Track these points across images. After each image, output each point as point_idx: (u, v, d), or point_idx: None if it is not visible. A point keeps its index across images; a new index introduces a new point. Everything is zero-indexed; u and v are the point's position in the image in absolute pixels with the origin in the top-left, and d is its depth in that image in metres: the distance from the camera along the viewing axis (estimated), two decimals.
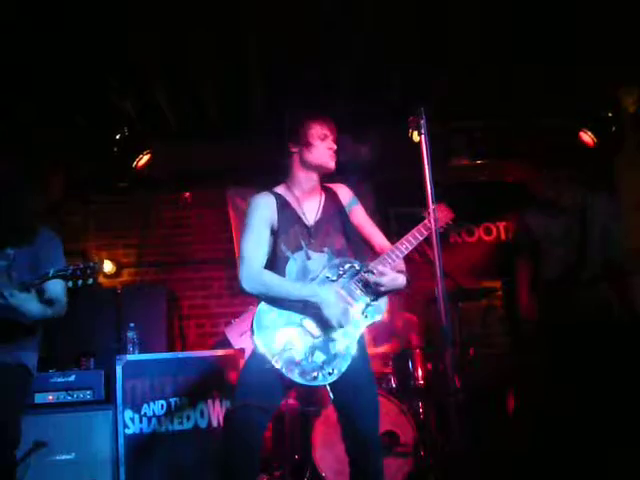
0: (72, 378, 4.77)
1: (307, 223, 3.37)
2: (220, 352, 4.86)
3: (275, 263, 3.28)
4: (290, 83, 5.01)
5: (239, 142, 5.98)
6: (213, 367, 4.72)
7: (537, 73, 5.09)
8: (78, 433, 4.58)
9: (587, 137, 5.96)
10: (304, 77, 4.95)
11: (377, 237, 3.47)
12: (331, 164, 3.41)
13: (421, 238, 3.29)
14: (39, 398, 4.67)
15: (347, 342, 3.16)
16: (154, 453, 4.54)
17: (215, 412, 4.62)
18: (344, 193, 3.55)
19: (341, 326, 3.13)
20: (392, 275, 3.23)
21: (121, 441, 4.53)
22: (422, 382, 5.13)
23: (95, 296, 6.09)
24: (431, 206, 2.95)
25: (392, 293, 3.27)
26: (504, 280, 6.40)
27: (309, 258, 3.29)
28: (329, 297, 3.14)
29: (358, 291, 3.22)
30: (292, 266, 3.27)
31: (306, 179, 3.44)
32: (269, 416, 3.16)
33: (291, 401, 5.22)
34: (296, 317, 3.17)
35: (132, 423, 4.58)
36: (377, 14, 4.29)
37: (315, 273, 3.26)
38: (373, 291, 3.22)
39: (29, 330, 3.60)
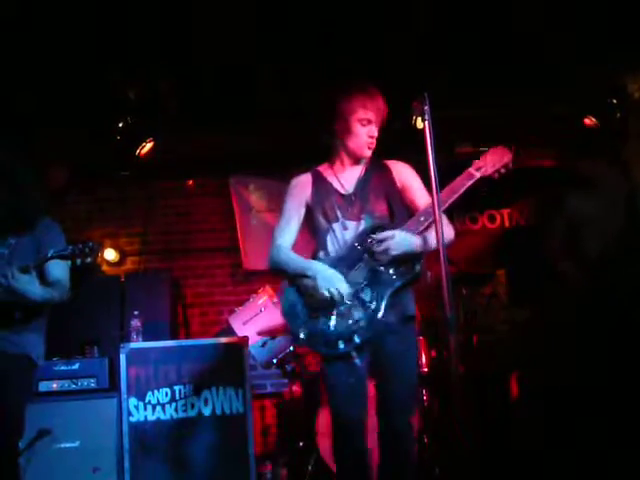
0: (76, 366, 4.77)
1: (343, 192, 3.35)
2: (224, 340, 4.85)
3: (318, 237, 3.33)
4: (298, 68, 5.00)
5: (242, 130, 5.96)
6: (217, 355, 4.72)
7: (545, 61, 5.07)
8: (82, 421, 4.59)
9: (592, 124, 5.94)
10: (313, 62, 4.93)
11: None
12: (366, 153, 3.34)
13: (463, 189, 3.17)
14: (43, 386, 4.67)
15: (373, 306, 3.11)
16: (158, 441, 4.53)
17: (219, 400, 4.62)
18: (400, 168, 3.44)
19: (334, 299, 3.08)
20: (399, 237, 3.11)
21: (125, 429, 4.53)
22: (426, 369, 5.13)
23: (99, 284, 6.11)
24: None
25: (411, 255, 3.14)
26: (508, 267, 6.39)
27: (346, 228, 3.27)
28: (323, 269, 3.14)
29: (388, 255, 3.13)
30: (331, 237, 3.29)
31: (349, 156, 3.39)
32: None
33: (295, 388, 5.23)
34: (316, 290, 3.14)
35: (136, 411, 4.58)
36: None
37: (350, 243, 3.24)
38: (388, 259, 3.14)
39: (33, 316, 3.59)
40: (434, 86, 3.11)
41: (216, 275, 6.77)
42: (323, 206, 3.32)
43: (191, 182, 6.85)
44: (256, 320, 5.25)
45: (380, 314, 3.08)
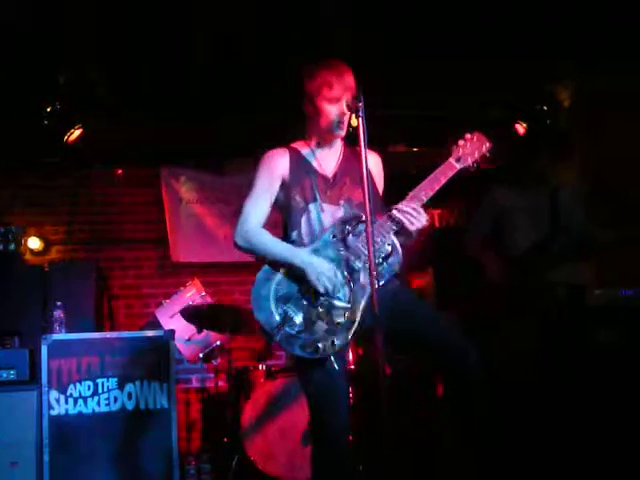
0: None
1: (323, 173, 3.19)
2: (150, 333, 4.78)
3: (291, 216, 3.14)
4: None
5: (174, 120, 5.88)
6: (142, 348, 4.64)
7: (475, 66, 5.14)
8: (0, 414, 4.46)
9: (522, 129, 6.05)
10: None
11: None
12: (339, 132, 3.14)
13: (445, 181, 3.03)
14: None
15: (353, 307, 2.93)
16: (79, 435, 4.44)
17: (143, 394, 4.55)
18: (373, 158, 3.26)
19: (328, 293, 2.94)
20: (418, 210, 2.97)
21: (45, 422, 4.42)
22: (352, 367, 5.15)
23: (21, 274, 5.94)
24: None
25: (413, 237, 3.03)
26: (436, 267, 6.47)
27: (322, 210, 3.10)
28: (315, 260, 2.97)
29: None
30: (306, 218, 3.12)
31: (323, 137, 3.22)
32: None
33: (221, 383, 5.19)
34: (294, 284, 3.00)
35: (57, 404, 4.48)
36: None
37: (325, 234, 3.06)
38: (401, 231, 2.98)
39: None
40: (369, 85, 3.07)
41: (143, 267, 6.68)
42: (302, 184, 3.14)
43: (120, 171, 6.73)
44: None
45: (358, 316, 2.91)
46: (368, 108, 2.82)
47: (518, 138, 5.96)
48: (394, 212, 2.98)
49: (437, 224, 6.90)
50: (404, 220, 2.97)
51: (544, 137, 5.72)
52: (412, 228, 2.99)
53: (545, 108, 5.81)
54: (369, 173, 3.04)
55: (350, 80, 3.10)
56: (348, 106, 2.94)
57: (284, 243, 3.11)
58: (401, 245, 3.05)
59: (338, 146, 3.27)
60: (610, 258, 4.86)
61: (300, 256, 3.01)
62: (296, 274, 3.00)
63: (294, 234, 3.15)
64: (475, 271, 4.78)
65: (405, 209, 2.98)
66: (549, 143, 5.44)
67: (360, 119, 2.80)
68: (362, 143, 2.78)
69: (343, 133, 3.16)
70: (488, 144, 3.05)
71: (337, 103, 3.09)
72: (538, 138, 5.74)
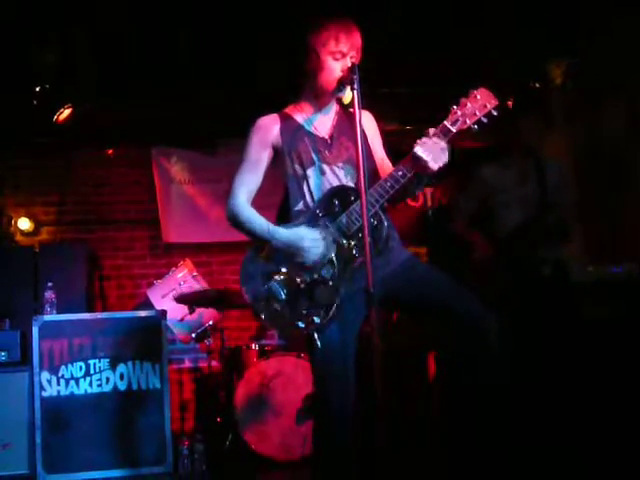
0: None
1: (320, 134, 3.03)
2: (142, 313, 4.76)
3: (294, 186, 2.98)
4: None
5: (165, 99, 5.83)
6: (134, 329, 4.63)
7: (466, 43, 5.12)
8: None
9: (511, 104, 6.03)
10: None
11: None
12: (338, 94, 2.96)
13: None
14: None
15: (335, 285, 2.84)
16: (72, 416, 4.43)
17: (135, 375, 4.54)
18: (367, 119, 3.10)
19: (311, 268, 2.83)
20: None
21: (37, 404, 4.41)
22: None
23: (12, 255, 5.92)
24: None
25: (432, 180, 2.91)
26: (430, 246, 6.45)
27: (323, 173, 2.97)
28: (293, 237, 2.85)
29: (352, 226, 2.82)
30: (308, 186, 2.97)
31: (319, 97, 3.05)
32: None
33: (214, 363, 5.18)
34: (279, 260, 2.88)
35: (49, 385, 4.46)
36: None
37: (314, 207, 2.94)
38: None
39: None
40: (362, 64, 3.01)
41: (135, 247, 6.64)
42: (297, 149, 2.98)
43: (111, 151, 6.68)
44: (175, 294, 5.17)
45: (341, 293, 2.83)
46: (363, 83, 2.75)
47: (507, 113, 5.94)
48: (416, 150, 2.75)
49: (429, 203, 6.89)
50: (427, 158, 2.74)
51: (530, 110, 5.70)
52: (434, 166, 2.77)
53: (537, 85, 5.79)
54: (364, 135, 2.93)
55: (358, 39, 2.95)
56: (351, 66, 2.79)
57: (263, 220, 2.98)
58: (417, 191, 3.04)
59: (332, 110, 3.12)
60: (599, 234, 4.87)
61: (279, 233, 2.90)
62: (280, 250, 2.90)
63: (300, 204, 3.00)
64: (465, 250, 4.77)
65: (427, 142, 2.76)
66: (535, 116, 5.43)
67: (355, 92, 2.73)
68: (357, 116, 2.70)
69: (343, 95, 2.96)
70: (493, 101, 2.75)
71: (342, 60, 2.93)
72: (524, 111, 5.70)
